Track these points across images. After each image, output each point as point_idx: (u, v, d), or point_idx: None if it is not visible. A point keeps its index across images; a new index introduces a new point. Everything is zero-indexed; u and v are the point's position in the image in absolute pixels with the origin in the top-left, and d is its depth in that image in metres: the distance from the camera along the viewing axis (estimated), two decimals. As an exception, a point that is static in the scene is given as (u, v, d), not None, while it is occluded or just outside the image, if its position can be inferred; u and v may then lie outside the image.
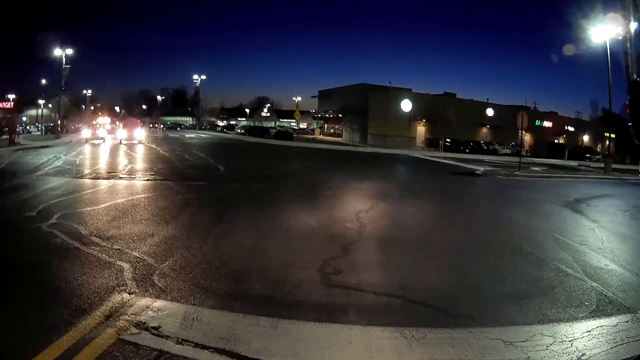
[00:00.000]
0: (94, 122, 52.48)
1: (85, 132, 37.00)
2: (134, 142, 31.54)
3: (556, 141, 55.31)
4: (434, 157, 30.82)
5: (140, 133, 34.18)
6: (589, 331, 4.14)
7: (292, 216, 9.12)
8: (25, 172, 15.46)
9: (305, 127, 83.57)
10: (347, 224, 8.47)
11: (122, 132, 33.61)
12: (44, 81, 63.30)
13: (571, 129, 60.37)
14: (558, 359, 3.60)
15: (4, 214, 8.82)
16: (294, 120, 64.59)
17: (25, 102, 68.80)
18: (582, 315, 4.55)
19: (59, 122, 49.18)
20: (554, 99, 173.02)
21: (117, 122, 59.08)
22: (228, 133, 68.02)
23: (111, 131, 41.75)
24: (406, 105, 47.64)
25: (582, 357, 3.60)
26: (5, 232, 7.28)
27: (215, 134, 62.81)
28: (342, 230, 7.94)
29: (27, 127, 65.46)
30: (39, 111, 66.02)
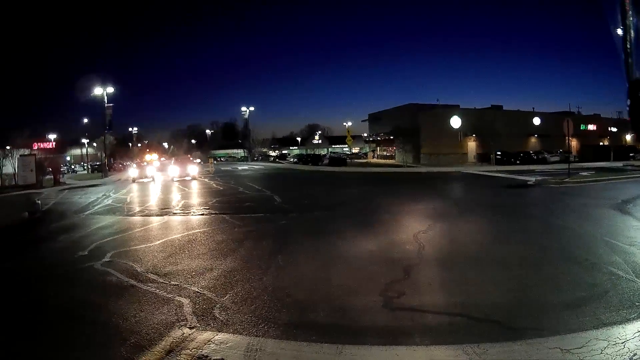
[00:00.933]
0: (139, 160, 54.32)
1: (133, 171, 36.88)
2: (187, 178, 32.68)
3: (601, 143, 57.51)
4: (486, 171, 31.18)
5: (193, 169, 35.41)
6: (640, 331, 4.45)
7: (351, 242, 9.27)
8: (74, 211, 16.63)
9: (357, 151, 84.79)
10: (407, 246, 8.80)
11: (174, 169, 34.87)
12: (85, 120, 66.71)
13: (614, 129, 61.05)
14: (611, 361, 3.87)
15: (54, 254, 9.51)
16: (346, 146, 66.09)
17: (68, 142, 73.21)
18: (633, 316, 4.84)
19: (105, 160, 51.98)
20: (596, 100, 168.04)
21: (164, 159, 61.53)
22: (281, 163, 69.38)
23: (161, 168, 42.77)
24: (455, 122, 48.99)
25: (633, 358, 3.86)
26: (57, 272, 7.81)
27: (268, 164, 64.30)
28: (402, 253, 8.25)
29: (73, 167, 70.36)
30: (84, 150, 69.83)
